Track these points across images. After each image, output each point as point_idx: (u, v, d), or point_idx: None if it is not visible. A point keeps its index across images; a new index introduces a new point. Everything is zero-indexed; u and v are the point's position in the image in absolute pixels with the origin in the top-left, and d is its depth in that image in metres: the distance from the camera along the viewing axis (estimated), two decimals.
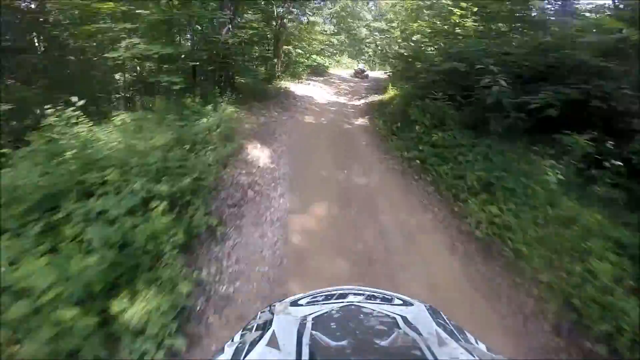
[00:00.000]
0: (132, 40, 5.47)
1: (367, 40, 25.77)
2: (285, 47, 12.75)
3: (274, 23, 11.36)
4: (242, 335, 0.59)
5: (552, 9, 7.32)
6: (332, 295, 0.65)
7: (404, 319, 0.52)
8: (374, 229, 3.57)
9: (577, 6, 7.13)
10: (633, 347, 2.01)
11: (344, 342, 0.44)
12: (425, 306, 0.61)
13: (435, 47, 7.59)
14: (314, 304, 0.62)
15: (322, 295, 0.66)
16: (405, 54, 8.86)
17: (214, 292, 2.61)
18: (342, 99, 11.52)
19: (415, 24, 8.76)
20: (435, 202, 4.17)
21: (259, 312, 0.67)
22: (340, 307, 0.57)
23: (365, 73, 18.88)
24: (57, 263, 1.91)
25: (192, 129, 4.55)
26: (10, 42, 6.04)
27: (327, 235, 3.46)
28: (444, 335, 0.49)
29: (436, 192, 4.36)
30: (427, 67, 6.79)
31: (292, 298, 0.69)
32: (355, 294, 0.65)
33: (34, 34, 6.65)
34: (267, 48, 11.85)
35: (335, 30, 20.82)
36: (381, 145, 6.31)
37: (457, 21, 6.79)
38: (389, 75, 11.85)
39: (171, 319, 2.15)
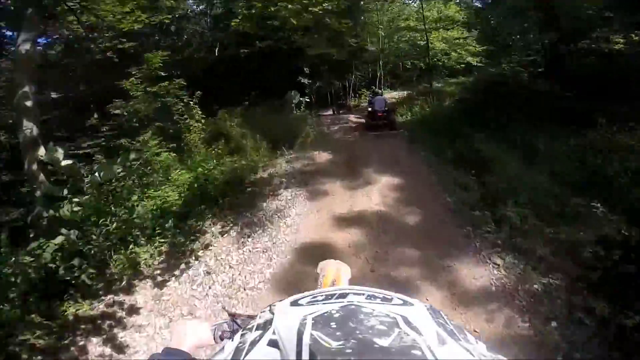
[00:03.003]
0: None
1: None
2: None
3: None
4: (242, 335, 0.55)
5: None
6: (332, 295, 0.58)
7: (404, 318, 0.48)
8: None
9: None
10: None
11: (344, 342, 0.41)
12: (426, 306, 0.56)
13: None
14: (314, 304, 0.56)
15: (322, 295, 0.59)
16: None
17: None
18: None
19: None
20: None
21: (259, 312, 0.62)
22: (340, 307, 0.51)
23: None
24: None
25: None
26: None
27: None
28: (444, 335, 0.47)
29: None
30: None
31: (292, 298, 0.62)
32: (355, 293, 0.58)
33: None
34: None
35: None
36: None
37: None
38: None
39: None
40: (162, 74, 7.04)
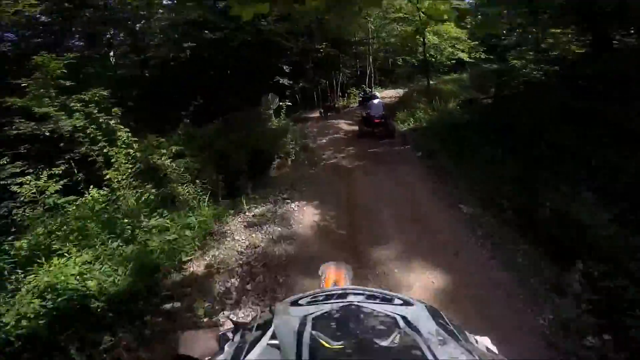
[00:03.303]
0: None
1: None
2: None
3: None
4: (242, 335, 0.58)
5: None
6: (332, 295, 0.63)
7: (404, 319, 0.51)
8: None
9: None
10: None
11: (344, 342, 0.43)
12: (426, 306, 0.60)
13: None
14: (314, 304, 0.60)
15: (322, 295, 0.64)
16: None
17: None
18: None
19: None
20: None
21: (259, 312, 0.66)
22: (340, 307, 0.55)
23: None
24: None
25: None
26: None
27: None
28: (444, 335, 0.48)
29: None
30: None
31: (292, 298, 0.67)
32: (355, 293, 0.63)
33: None
34: None
35: None
36: None
37: None
38: None
39: None
40: (67, 83, 4.83)
